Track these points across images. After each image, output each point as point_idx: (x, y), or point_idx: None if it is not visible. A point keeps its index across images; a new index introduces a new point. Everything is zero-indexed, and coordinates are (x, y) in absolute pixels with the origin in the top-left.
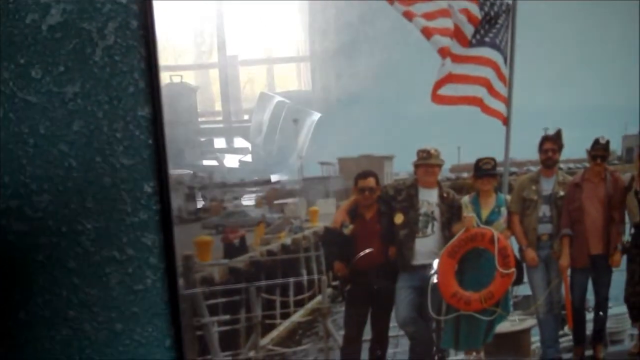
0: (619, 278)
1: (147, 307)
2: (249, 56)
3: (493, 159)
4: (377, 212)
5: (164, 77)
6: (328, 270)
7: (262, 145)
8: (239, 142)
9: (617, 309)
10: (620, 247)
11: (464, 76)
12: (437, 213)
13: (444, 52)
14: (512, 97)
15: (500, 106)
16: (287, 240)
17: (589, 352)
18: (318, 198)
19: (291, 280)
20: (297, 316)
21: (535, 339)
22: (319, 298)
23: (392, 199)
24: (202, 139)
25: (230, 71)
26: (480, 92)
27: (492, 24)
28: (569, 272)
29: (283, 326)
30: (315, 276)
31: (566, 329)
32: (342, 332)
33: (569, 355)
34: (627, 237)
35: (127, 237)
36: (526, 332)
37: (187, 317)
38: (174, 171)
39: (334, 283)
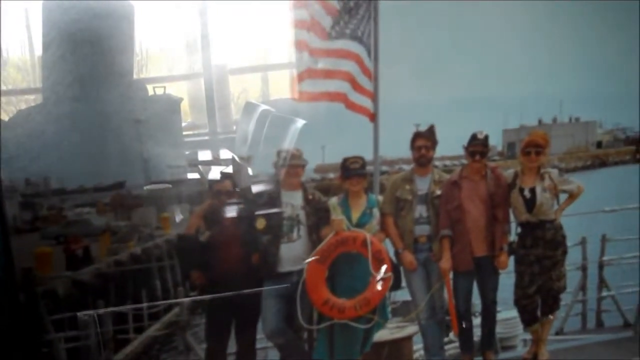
0: (506, 281)
1: None
2: (238, 65)
3: (361, 158)
4: (236, 217)
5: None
6: (185, 280)
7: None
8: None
9: (507, 313)
10: (507, 248)
11: (324, 71)
12: (302, 216)
13: (300, 46)
14: (378, 91)
15: (366, 102)
16: (137, 250)
17: None
18: (169, 203)
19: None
20: (153, 330)
21: (418, 347)
22: (176, 310)
23: (252, 202)
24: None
25: (218, 81)
26: (343, 87)
27: (353, 15)
28: (451, 275)
29: (138, 341)
30: (171, 287)
31: (452, 335)
32: (204, 346)
33: None
34: (513, 237)
35: None
36: (408, 340)
37: (31, 334)
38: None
39: (192, 294)
